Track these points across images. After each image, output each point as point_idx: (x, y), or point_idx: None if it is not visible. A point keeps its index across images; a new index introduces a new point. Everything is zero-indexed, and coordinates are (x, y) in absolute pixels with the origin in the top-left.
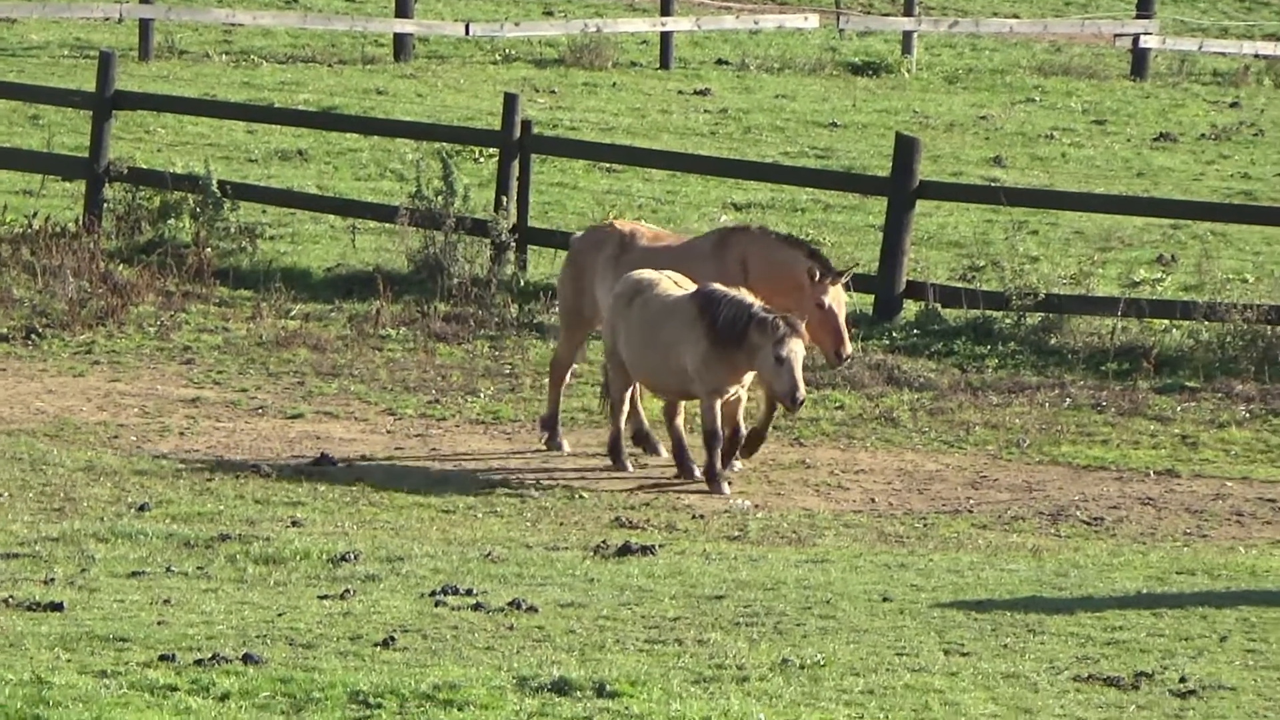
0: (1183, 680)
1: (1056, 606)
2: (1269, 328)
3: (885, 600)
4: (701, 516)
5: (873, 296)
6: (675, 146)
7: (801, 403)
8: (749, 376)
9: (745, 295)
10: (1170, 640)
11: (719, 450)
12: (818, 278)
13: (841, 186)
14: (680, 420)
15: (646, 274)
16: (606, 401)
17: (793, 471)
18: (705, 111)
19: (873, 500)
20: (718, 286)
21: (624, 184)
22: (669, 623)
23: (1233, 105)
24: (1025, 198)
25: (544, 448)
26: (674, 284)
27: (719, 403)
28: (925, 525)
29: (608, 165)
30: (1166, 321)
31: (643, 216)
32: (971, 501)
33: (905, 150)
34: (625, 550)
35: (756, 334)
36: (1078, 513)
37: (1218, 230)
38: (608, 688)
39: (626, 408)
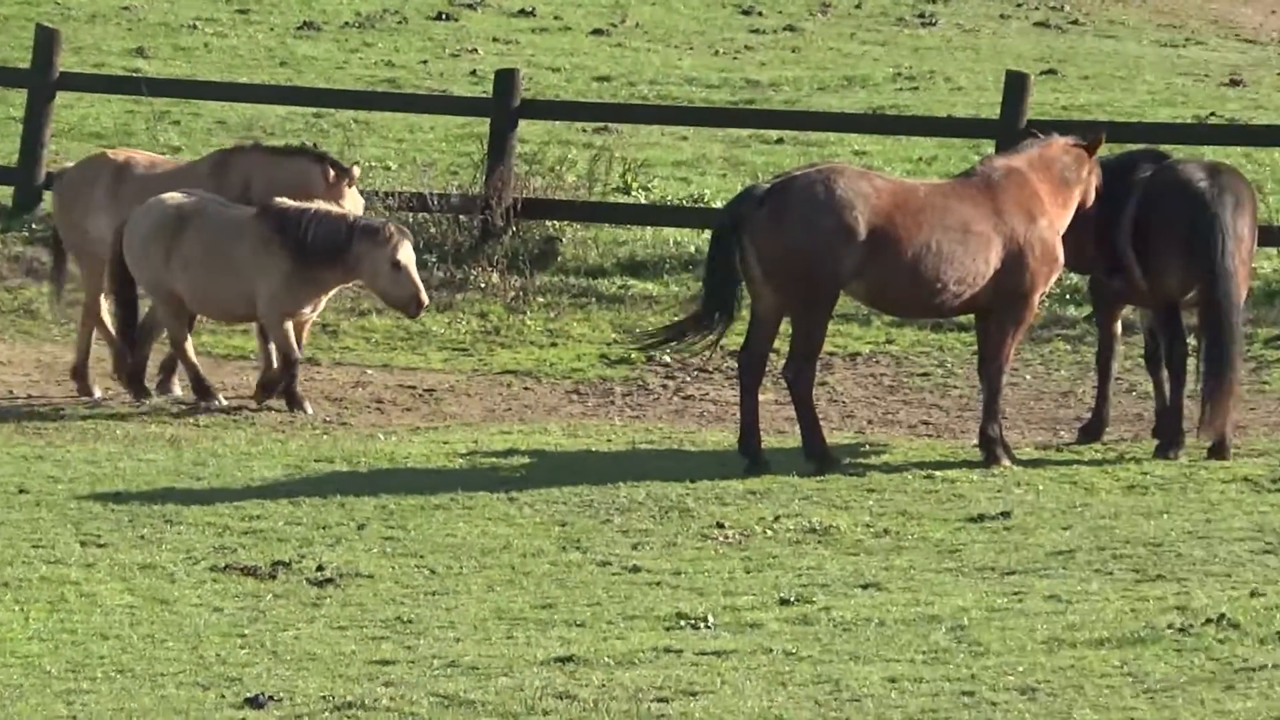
0: (320, 569)
1: (195, 497)
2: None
3: (21, 492)
4: None
5: (12, 189)
6: None
7: (425, 306)
8: (325, 299)
9: (326, 206)
10: (308, 529)
11: (295, 374)
12: (332, 178)
13: None
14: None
15: (187, 196)
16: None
17: None
18: None
19: (11, 391)
20: (284, 202)
21: None
22: None
23: None
24: (167, 88)
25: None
26: (221, 205)
27: (290, 325)
28: (62, 416)
29: None
30: None
31: None
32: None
33: (45, 42)
34: None
35: (364, 243)
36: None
37: (360, 118)
38: None
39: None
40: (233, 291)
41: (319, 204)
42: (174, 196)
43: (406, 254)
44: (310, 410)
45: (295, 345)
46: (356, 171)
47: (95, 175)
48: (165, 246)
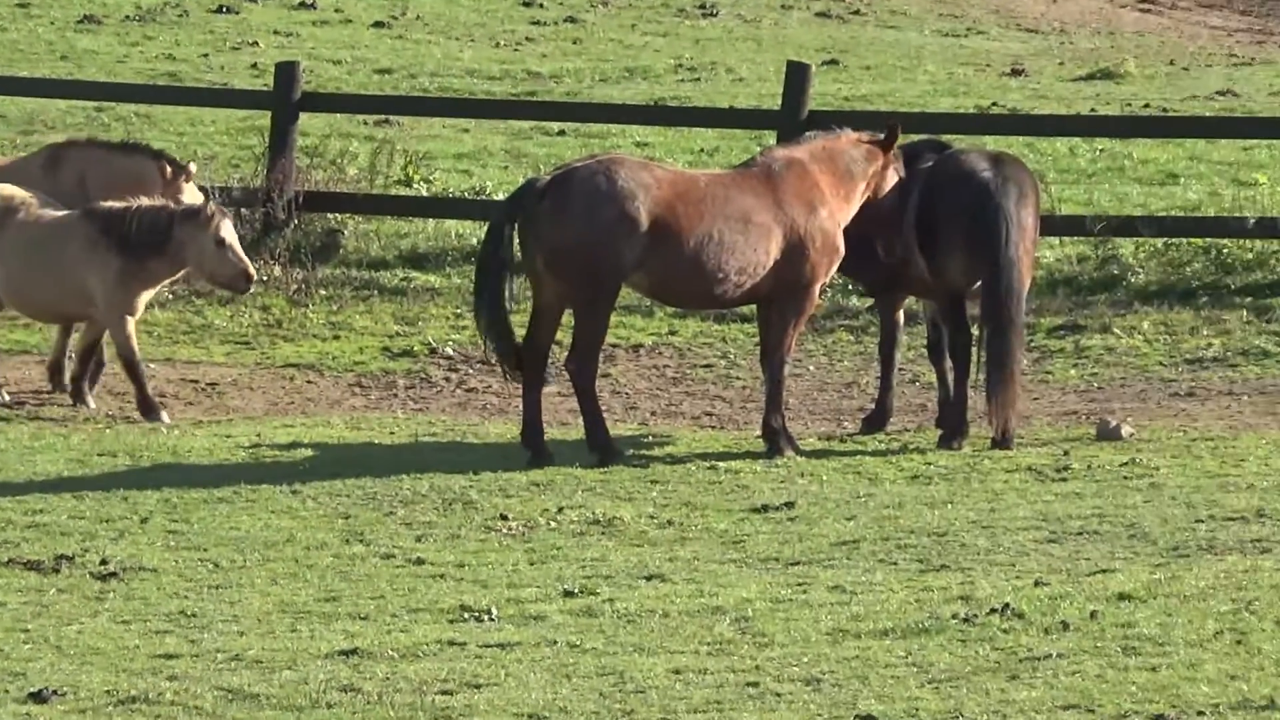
0: (104, 562)
1: None
2: None
3: None
4: None
5: None
6: None
7: (254, 280)
8: (152, 292)
9: (143, 199)
10: (92, 522)
11: (143, 376)
12: (170, 174)
13: None
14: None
15: (8, 191)
16: None
17: None
18: None
19: None
20: (104, 203)
21: None
22: None
23: None
24: None
25: None
26: (44, 203)
27: (132, 325)
28: None
29: None
30: None
31: None
32: None
33: None
34: None
35: (186, 227)
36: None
37: (142, 112)
38: None
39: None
40: (56, 291)
41: (137, 198)
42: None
43: (229, 231)
44: (93, 405)
45: (136, 347)
46: (193, 168)
47: None
48: None
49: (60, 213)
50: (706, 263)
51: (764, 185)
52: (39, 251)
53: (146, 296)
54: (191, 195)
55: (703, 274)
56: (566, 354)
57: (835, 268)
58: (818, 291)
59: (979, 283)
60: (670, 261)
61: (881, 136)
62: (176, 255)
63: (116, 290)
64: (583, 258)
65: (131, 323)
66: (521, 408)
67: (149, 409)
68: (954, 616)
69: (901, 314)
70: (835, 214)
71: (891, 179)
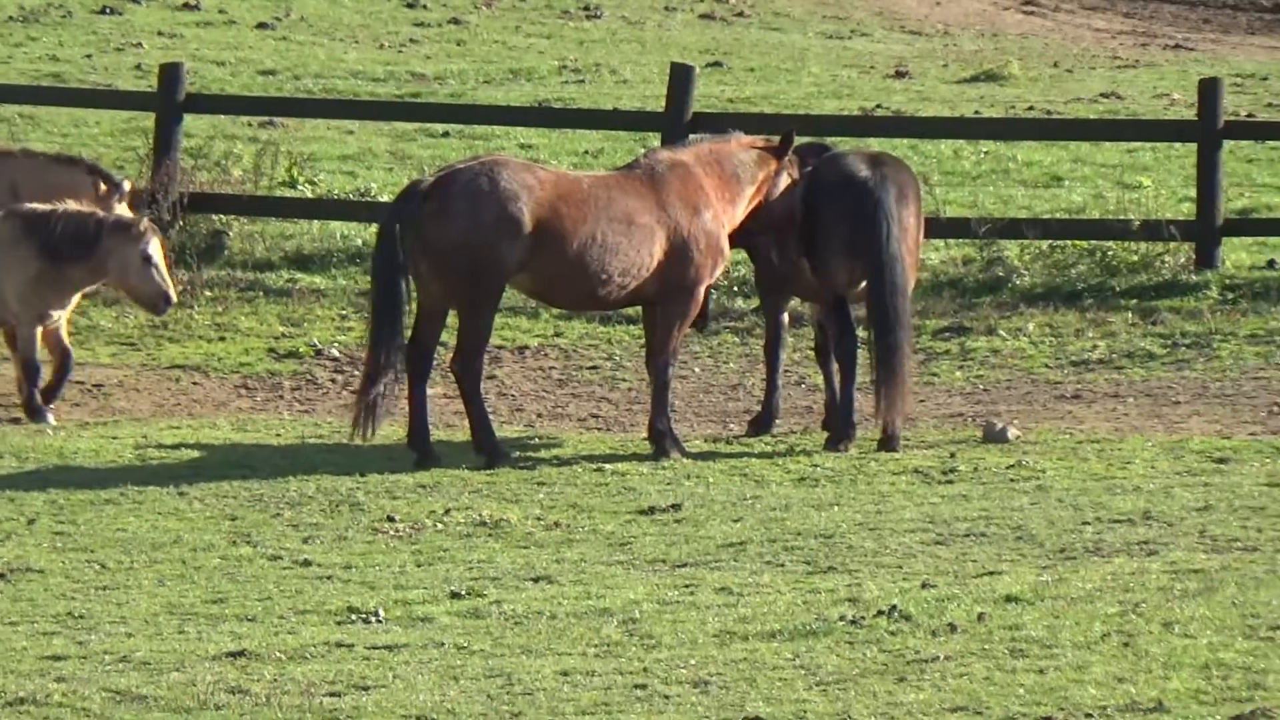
0: None
1: None
2: None
3: None
4: None
5: None
6: None
7: (173, 303)
8: (76, 298)
9: (70, 204)
10: None
11: (37, 381)
12: (104, 190)
13: None
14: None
15: None
16: None
17: None
18: None
19: None
20: (30, 205)
21: None
22: None
23: None
24: None
25: None
26: None
27: (40, 330)
28: None
29: None
30: None
31: None
32: None
33: None
34: None
35: (114, 238)
36: None
37: (26, 113)
38: None
39: None
40: None
41: (64, 202)
42: None
43: (156, 250)
44: (52, 421)
45: (36, 352)
46: (128, 186)
47: None
48: None
49: None
50: (590, 264)
51: (647, 187)
52: None
53: (66, 301)
54: (123, 213)
55: (586, 275)
56: (450, 355)
57: (720, 270)
58: (701, 294)
59: (862, 284)
60: (553, 262)
61: (776, 140)
62: (98, 267)
63: (30, 293)
64: (465, 259)
65: (41, 328)
66: (408, 410)
67: (35, 411)
68: (841, 619)
69: (786, 316)
70: (720, 216)
71: (784, 183)
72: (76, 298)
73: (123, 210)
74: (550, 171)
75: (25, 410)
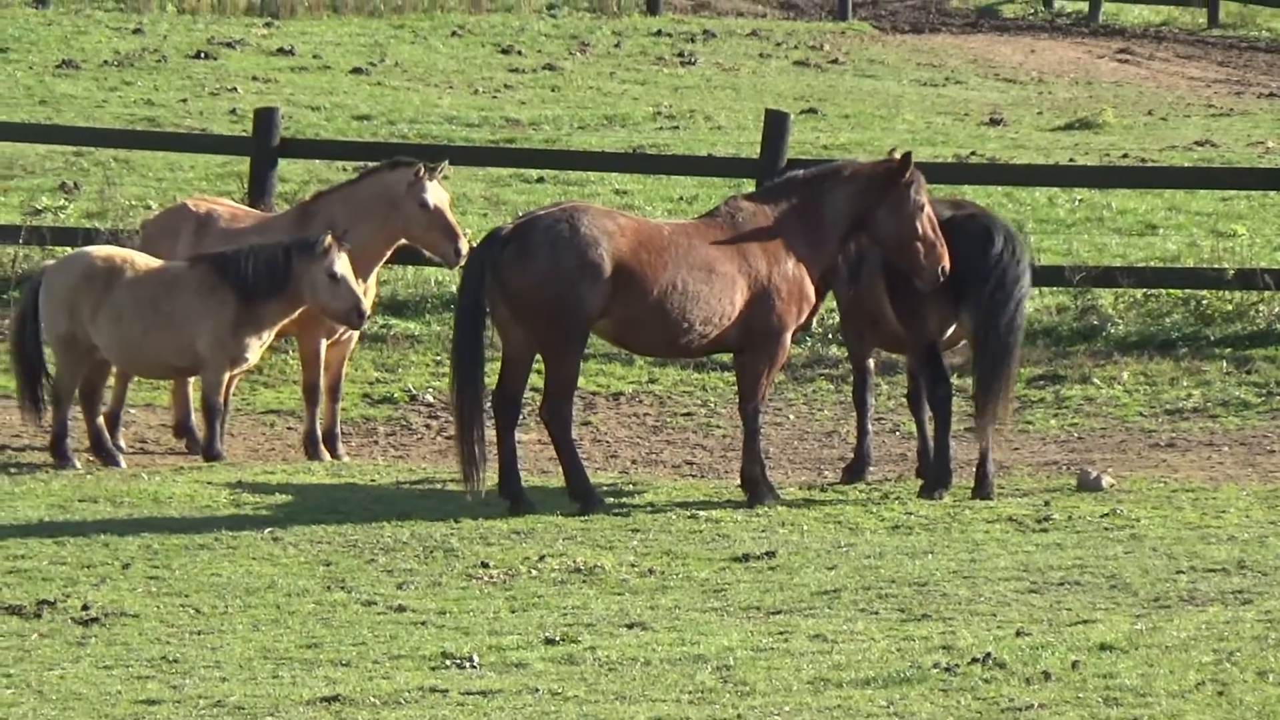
0: (85, 608)
1: None
2: None
3: None
4: None
5: None
6: None
7: (366, 317)
8: (269, 337)
9: (251, 241)
10: (73, 568)
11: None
12: (418, 175)
13: None
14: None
15: (107, 251)
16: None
17: None
18: None
19: None
20: (217, 250)
21: None
22: None
23: (136, 31)
24: None
25: None
26: (143, 259)
27: (229, 376)
28: None
29: None
30: None
31: None
32: None
33: None
34: None
35: (302, 260)
36: None
37: (120, 157)
38: None
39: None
40: (169, 346)
41: (245, 242)
42: (97, 250)
43: (343, 262)
44: (124, 465)
45: (221, 396)
46: (441, 169)
47: (177, 226)
48: (92, 301)
49: (170, 265)
50: (670, 311)
51: (728, 235)
52: (152, 306)
53: (263, 339)
54: (436, 194)
55: (667, 322)
56: (540, 402)
57: (806, 314)
58: (788, 340)
59: (950, 331)
60: (634, 308)
61: (894, 160)
62: (294, 294)
63: (229, 338)
64: (546, 305)
65: (226, 372)
66: (497, 456)
67: (215, 455)
68: (935, 666)
69: (871, 360)
70: (803, 262)
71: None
72: (269, 337)
73: (432, 190)
74: (631, 218)
75: (205, 454)
